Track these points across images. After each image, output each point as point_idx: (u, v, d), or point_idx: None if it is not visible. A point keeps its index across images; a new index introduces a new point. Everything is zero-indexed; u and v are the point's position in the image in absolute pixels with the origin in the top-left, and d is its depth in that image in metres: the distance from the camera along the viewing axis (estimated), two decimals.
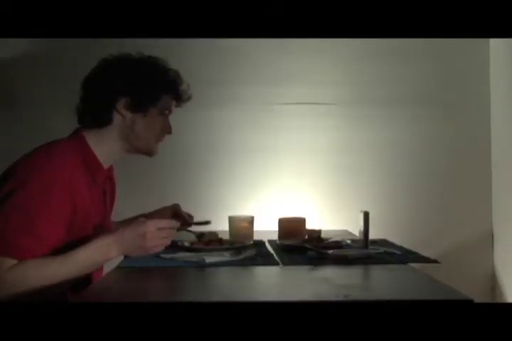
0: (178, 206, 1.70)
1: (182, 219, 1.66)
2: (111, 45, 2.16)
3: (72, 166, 1.32)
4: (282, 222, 1.71)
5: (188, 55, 2.25)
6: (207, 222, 1.71)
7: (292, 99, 2.30)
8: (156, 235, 1.28)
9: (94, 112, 1.41)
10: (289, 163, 2.29)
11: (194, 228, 1.65)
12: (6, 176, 1.28)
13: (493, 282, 2.27)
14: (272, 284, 1.22)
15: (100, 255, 1.25)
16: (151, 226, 1.28)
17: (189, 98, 1.53)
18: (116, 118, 1.41)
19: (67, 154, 1.33)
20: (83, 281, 1.28)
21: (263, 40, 2.14)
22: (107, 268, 1.31)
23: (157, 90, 1.44)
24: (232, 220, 1.67)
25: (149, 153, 1.48)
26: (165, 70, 1.47)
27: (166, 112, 1.47)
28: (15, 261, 1.18)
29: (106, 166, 1.44)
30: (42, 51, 2.24)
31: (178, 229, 1.59)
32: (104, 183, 1.47)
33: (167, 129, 1.49)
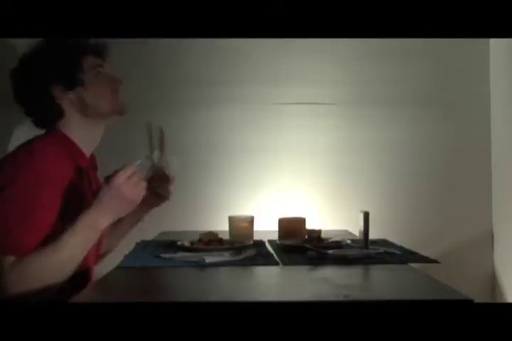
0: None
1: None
2: (111, 46, 2.17)
3: (54, 159, 1.34)
4: (282, 222, 1.71)
5: (188, 55, 2.25)
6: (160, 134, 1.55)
7: (292, 99, 2.30)
8: (130, 183, 1.26)
9: (42, 110, 1.43)
10: (289, 163, 2.29)
11: None
12: None
13: (493, 282, 2.27)
14: (272, 284, 1.22)
15: (89, 229, 1.25)
16: (118, 177, 1.25)
17: (105, 45, 1.52)
18: (65, 104, 1.42)
19: (47, 148, 1.35)
20: (82, 280, 1.28)
21: (263, 40, 2.14)
22: (107, 268, 1.31)
23: (73, 59, 1.43)
24: (232, 220, 1.67)
25: (117, 111, 1.48)
26: (73, 38, 1.46)
27: (99, 69, 1.47)
28: (13, 258, 1.19)
29: (87, 154, 1.46)
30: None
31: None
32: (88, 172, 1.49)
33: (113, 81, 1.48)
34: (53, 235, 1.25)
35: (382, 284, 1.20)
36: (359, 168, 2.29)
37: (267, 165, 2.29)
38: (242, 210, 2.06)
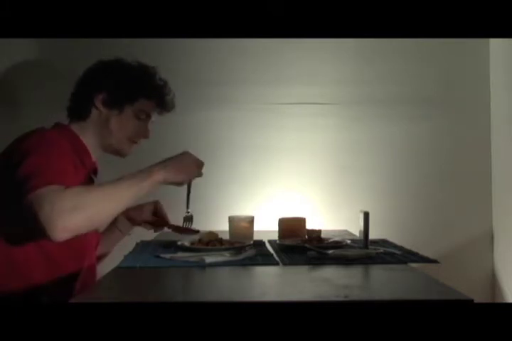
0: (158, 203, 1.72)
1: (161, 216, 1.69)
2: (112, 46, 2.17)
3: (62, 147, 1.37)
4: (282, 222, 1.71)
5: (188, 55, 2.25)
6: (195, 232, 1.63)
7: (292, 99, 2.30)
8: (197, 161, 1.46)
9: (75, 105, 1.51)
10: (289, 163, 2.29)
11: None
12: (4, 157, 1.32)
13: (493, 282, 2.27)
14: (272, 284, 1.22)
15: (144, 178, 1.30)
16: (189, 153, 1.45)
17: (172, 108, 1.61)
18: (94, 112, 1.49)
19: (57, 137, 1.39)
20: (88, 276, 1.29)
21: (263, 40, 2.14)
22: (107, 268, 1.31)
23: (134, 90, 1.51)
24: (232, 220, 1.67)
25: (120, 152, 1.55)
26: (151, 76, 1.55)
27: (143, 116, 1.53)
28: (61, 187, 1.18)
29: (92, 157, 1.51)
30: (43, 51, 2.24)
31: (156, 228, 1.70)
32: (90, 172, 1.52)
33: (143, 133, 1.55)
34: None
35: (382, 284, 1.20)
36: (359, 168, 2.29)
37: (267, 165, 2.28)
38: (242, 210, 2.06)
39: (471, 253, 2.28)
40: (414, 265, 1.32)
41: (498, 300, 2.20)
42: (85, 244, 1.45)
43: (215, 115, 2.29)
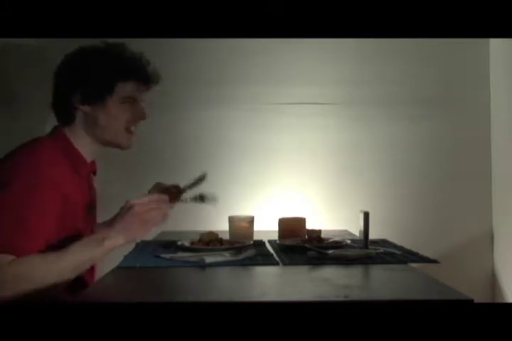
0: (160, 183, 1.62)
1: (170, 191, 1.55)
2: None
3: (54, 161, 1.32)
4: (282, 222, 1.71)
5: (188, 55, 2.25)
6: (201, 178, 1.55)
7: (292, 99, 2.30)
8: (146, 208, 1.23)
9: (57, 111, 1.43)
10: (289, 163, 2.29)
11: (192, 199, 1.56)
12: None
13: (493, 282, 2.27)
14: (272, 284, 1.22)
15: (97, 246, 1.20)
16: (137, 203, 1.24)
17: (157, 78, 1.47)
18: (79, 114, 1.40)
19: (48, 150, 1.33)
20: (78, 285, 1.28)
21: (263, 40, 2.14)
22: (107, 268, 1.31)
23: (108, 79, 1.39)
24: (232, 220, 1.67)
25: (120, 145, 1.44)
26: (119, 55, 1.42)
27: (130, 99, 1.42)
28: (13, 257, 1.16)
29: (88, 160, 1.44)
30: (43, 50, 2.24)
31: (172, 200, 1.48)
32: (88, 177, 1.48)
33: (138, 115, 1.44)
34: (49, 239, 1.24)
35: (382, 284, 1.20)
36: (359, 167, 2.29)
37: (267, 165, 2.28)
38: (242, 210, 2.06)
39: (471, 253, 2.28)
40: (414, 265, 1.32)
41: (498, 300, 2.20)
42: None
43: (214, 115, 2.29)
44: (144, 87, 1.45)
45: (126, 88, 1.41)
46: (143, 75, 1.44)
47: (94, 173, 1.54)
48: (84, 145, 1.42)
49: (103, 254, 1.22)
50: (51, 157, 1.32)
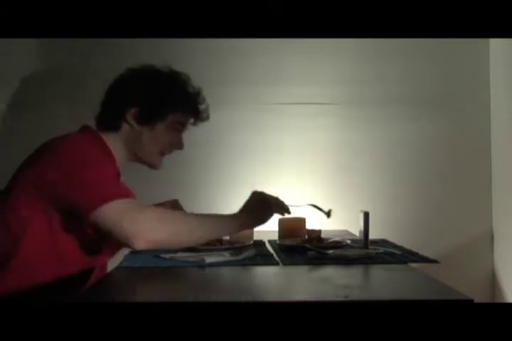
0: (177, 201, 1.68)
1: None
2: (112, 46, 2.18)
3: (95, 150, 1.37)
4: (282, 222, 1.71)
5: (188, 55, 2.25)
6: (327, 213, 1.60)
7: (292, 99, 2.30)
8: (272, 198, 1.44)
9: (105, 117, 1.46)
10: (289, 163, 2.29)
11: None
12: (43, 167, 1.28)
13: (493, 282, 2.27)
14: (272, 284, 1.22)
15: (231, 220, 1.37)
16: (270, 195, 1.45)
17: (207, 118, 1.57)
18: (125, 126, 1.45)
19: (87, 141, 1.38)
20: (82, 279, 1.28)
21: (263, 40, 2.14)
22: (107, 268, 1.31)
23: (166, 106, 1.45)
24: None
25: (151, 165, 1.51)
26: (183, 87, 1.49)
27: (178, 127, 1.50)
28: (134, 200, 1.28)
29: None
30: (50, 52, 2.24)
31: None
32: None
33: (177, 145, 1.52)
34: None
35: (382, 284, 1.20)
36: (359, 167, 2.29)
37: (267, 165, 2.28)
38: None
39: (471, 253, 2.28)
40: (414, 265, 1.32)
41: (498, 300, 2.20)
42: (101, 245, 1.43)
43: (214, 115, 2.26)
44: (193, 122, 1.54)
45: (178, 118, 1.49)
46: (197, 112, 1.53)
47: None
48: (115, 153, 1.45)
49: (235, 229, 1.40)
50: (90, 146, 1.37)
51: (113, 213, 1.20)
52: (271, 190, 2.24)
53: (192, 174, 2.27)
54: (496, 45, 2.26)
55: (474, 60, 2.32)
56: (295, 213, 1.52)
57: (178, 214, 1.37)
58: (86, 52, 2.18)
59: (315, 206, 1.58)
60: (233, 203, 2.22)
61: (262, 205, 1.42)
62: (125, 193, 1.27)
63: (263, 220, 1.41)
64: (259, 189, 1.48)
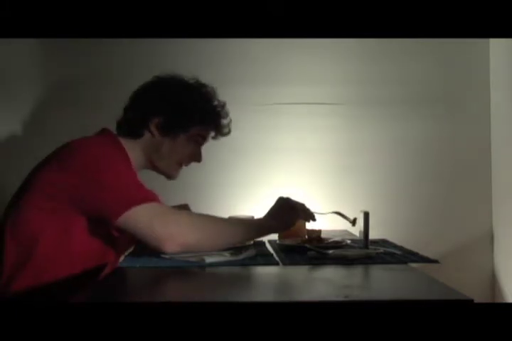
0: (187, 206, 1.69)
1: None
2: (112, 46, 2.17)
3: (115, 153, 1.38)
4: None
5: (188, 55, 2.25)
6: (352, 221, 1.60)
7: (292, 99, 2.29)
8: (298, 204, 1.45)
9: (128, 123, 1.46)
10: (289, 163, 2.29)
11: None
12: (64, 169, 1.28)
13: (493, 282, 2.27)
14: (272, 284, 1.22)
15: (257, 226, 1.40)
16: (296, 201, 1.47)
17: (228, 133, 1.57)
18: (146, 134, 1.45)
19: (107, 144, 1.39)
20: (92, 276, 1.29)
21: (263, 40, 2.14)
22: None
23: (191, 119, 1.46)
24: None
25: (168, 175, 1.52)
26: (209, 101, 1.50)
27: (199, 139, 1.51)
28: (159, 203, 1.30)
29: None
30: (50, 52, 2.24)
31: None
32: None
33: (196, 157, 1.53)
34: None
35: (382, 284, 1.20)
36: (359, 168, 2.29)
37: (267, 165, 2.28)
38: (242, 210, 2.06)
39: (471, 253, 2.28)
40: (414, 265, 1.32)
41: (498, 301, 2.20)
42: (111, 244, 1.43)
43: None
44: (214, 135, 1.55)
45: (200, 131, 1.50)
46: (219, 126, 1.53)
47: None
48: (133, 160, 1.45)
49: (262, 234, 1.43)
50: (110, 148, 1.38)
51: (143, 216, 1.22)
52: (271, 190, 2.26)
53: (192, 174, 2.26)
54: (496, 45, 2.26)
55: (474, 60, 2.32)
56: (319, 220, 1.52)
57: (207, 217, 1.37)
58: (95, 53, 2.17)
59: (340, 214, 1.57)
60: (233, 203, 2.25)
61: (288, 211, 1.43)
62: (151, 197, 1.28)
63: (288, 225, 1.44)
64: (283, 194, 1.50)
